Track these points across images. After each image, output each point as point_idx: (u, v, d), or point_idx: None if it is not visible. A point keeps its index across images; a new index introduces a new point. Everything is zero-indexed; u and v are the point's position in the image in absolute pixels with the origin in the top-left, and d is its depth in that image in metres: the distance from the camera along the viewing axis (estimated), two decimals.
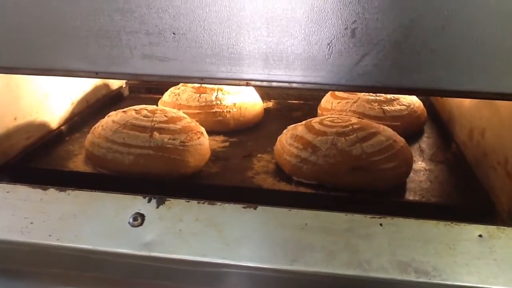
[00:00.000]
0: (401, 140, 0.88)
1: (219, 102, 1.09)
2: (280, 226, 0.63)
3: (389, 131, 0.90)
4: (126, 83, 1.40)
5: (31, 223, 0.65)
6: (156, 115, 0.91)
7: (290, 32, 0.53)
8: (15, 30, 0.58)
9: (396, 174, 0.84)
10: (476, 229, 0.61)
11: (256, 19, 0.53)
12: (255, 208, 0.65)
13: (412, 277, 0.57)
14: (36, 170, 0.88)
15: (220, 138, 1.07)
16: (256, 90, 1.19)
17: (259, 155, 0.97)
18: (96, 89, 1.25)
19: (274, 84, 0.56)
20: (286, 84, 0.56)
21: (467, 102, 1.00)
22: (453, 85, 0.53)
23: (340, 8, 0.51)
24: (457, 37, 0.50)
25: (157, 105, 1.11)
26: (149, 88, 1.38)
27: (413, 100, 1.12)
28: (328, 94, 1.17)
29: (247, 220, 0.64)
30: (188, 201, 0.66)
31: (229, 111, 1.09)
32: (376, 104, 1.08)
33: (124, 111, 0.93)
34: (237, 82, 0.57)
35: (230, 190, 0.81)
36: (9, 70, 0.62)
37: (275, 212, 0.65)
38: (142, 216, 0.64)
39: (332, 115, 0.99)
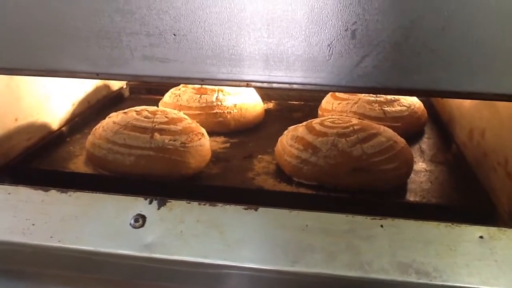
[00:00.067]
0: (401, 141, 0.88)
1: (219, 103, 1.09)
2: (281, 228, 0.63)
3: (390, 132, 0.90)
4: (126, 84, 1.40)
5: (33, 224, 0.65)
6: (156, 116, 0.91)
7: (290, 33, 0.53)
8: (16, 31, 0.58)
9: (397, 175, 0.84)
10: (477, 230, 0.61)
11: (256, 20, 0.53)
12: (256, 210, 0.65)
13: (413, 278, 0.57)
14: (37, 171, 0.88)
15: (221, 139, 1.07)
16: (257, 91, 1.19)
17: (259, 156, 0.97)
18: (96, 90, 1.25)
19: (275, 85, 0.56)
20: (287, 85, 0.56)
21: (467, 103, 1.00)
22: (453, 86, 0.53)
23: (341, 10, 0.51)
24: (457, 38, 0.51)
25: (157, 106, 1.11)
26: (150, 89, 1.38)
27: (414, 101, 1.12)
28: (329, 95, 1.17)
29: (248, 222, 0.64)
30: (189, 203, 0.66)
31: (230, 112, 1.09)
32: (377, 105, 1.08)
33: (124, 112, 0.93)
34: (237, 83, 0.57)
35: (231, 191, 0.81)
36: (9, 71, 0.63)
37: (276, 213, 0.65)
38: (143, 218, 0.64)
39: (333, 116, 0.99)
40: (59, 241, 0.63)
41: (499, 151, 0.79)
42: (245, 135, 1.09)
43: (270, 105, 1.32)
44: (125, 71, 0.58)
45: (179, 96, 1.13)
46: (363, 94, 1.10)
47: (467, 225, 0.62)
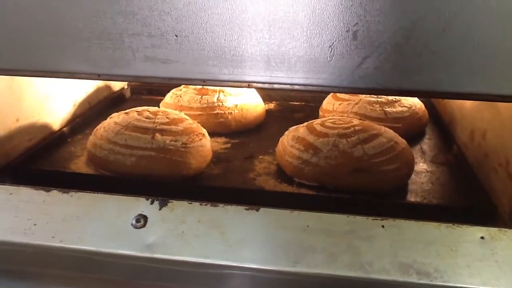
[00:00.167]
0: (402, 141, 0.88)
1: (220, 104, 1.09)
2: (282, 228, 0.63)
3: (391, 133, 0.90)
4: (128, 84, 1.40)
5: (34, 224, 0.65)
6: (158, 116, 0.91)
7: (292, 34, 0.53)
8: (18, 32, 0.58)
9: (398, 175, 0.84)
10: (477, 231, 0.61)
11: (258, 21, 0.53)
12: (257, 210, 0.65)
13: (413, 279, 0.57)
14: (38, 171, 0.88)
15: (222, 139, 1.07)
16: (258, 91, 1.19)
17: (260, 157, 0.97)
18: (98, 91, 1.25)
19: (276, 86, 0.56)
20: (288, 86, 0.56)
21: (468, 103, 1.00)
22: (454, 87, 0.53)
23: (342, 11, 0.51)
24: (458, 39, 0.51)
25: (158, 107, 1.11)
26: (151, 90, 1.38)
27: (415, 102, 1.12)
28: (330, 96, 1.17)
29: (249, 222, 0.64)
30: (191, 203, 0.66)
31: (231, 113, 1.09)
32: (378, 105, 1.08)
33: (126, 113, 0.94)
34: (239, 84, 0.57)
35: (232, 192, 0.81)
36: (11, 71, 0.63)
37: (277, 214, 0.65)
38: (145, 218, 0.65)
39: (334, 117, 0.99)
40: (61, 241, 0.63)
41: (500, 152, 0.79)
42: (246, 136, 1.09)
43: (271, 105, 1.32)
44: (127, 72, 0.58)
45: (180, 96, 1.13)
46: (364, 95, 1.10)
47: (468, 226, 0.62)
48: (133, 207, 0.66)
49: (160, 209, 0.66)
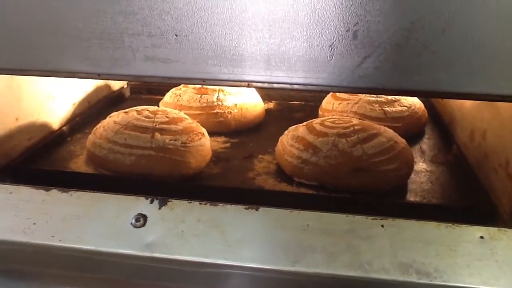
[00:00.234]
0: (402, 141, 0.89)
1: (220, 103, 1.09)
2: (281, 228, 0.63)
3: (390, 132, 0.90)
4: (127, 84, 1.40)
5: (34, 224, 0.65)
6: (157, 116, 0.91)
7: (292, 34, 0.53)
8: (18, 32, 0.58)
9: (397, 175, 0.84)
10: (477, 231, 0.61)
11: (258, 21, 0.53)
12: (257, 210, 0.65)
13: (413, 278, 0.57)
14: (38, 171, 0.88)
15: (221, 139, 1.07)
16: (257, 91, 1.19)
17: (260, 156, 0.97)
18: (97, 90, 1.25)
19: (276, 85, 0.56)
20: (288, 86, 0.56)
21: (468, 103, 1.00)
22: (453, 87, 0.53)
23: (342, 10, 0.51)
24: (458, 39, 0.51)
25: (158, 106, 1.11)
26: (151, 89, 1.38)
27: (414, 102, 1.12)
28: (329, 95, 1.17)
29: (249, 221, 0.64)
30: (190, 202, 0.66)
31: (230, 112, 1.09)
32: (377, 105, 1.08)
33: (125, 112, 0.94)
34: (238, 83, 0.57)
35: (231, 191, 0.81)
36: (11, 71, 0.63)
37: (276, 213, 0.65)
38: (145, 217, 0.65)
39: (333, 116, 0.99)
40: (60, 240, 0.63)
41: (500, 152, 0.79)
42: (245, 135, 1.09)
43: (271, 105, 1.32)
44: (127, 71, 0.58)
45: (180, 96, 1.13)
46: (364, 95, 1.10)
47: (467, 226, 0.62)
48: (132, 207, 0.66)
49: (159, 209, 0.66)
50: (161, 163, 0.84)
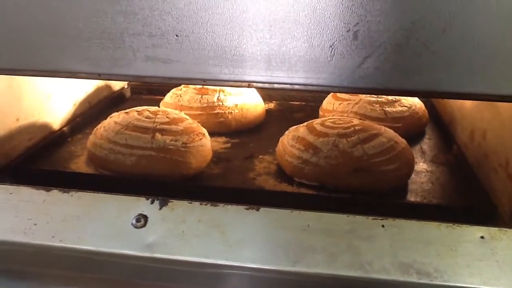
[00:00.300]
0: (402, 141, 0.89)
1: (220, 103, 1.09)
2: (282, 228, 0.63)
3: (391, 133, 0.90)
4: (128, 84, 1.40)
5: (35, 224, 0.65)
6: (158, 116, 0.91)
7: (292, 34, 0.53)
8: (18, 32, 0.58)
9: (398, 175, 0.84)
10: (477, 231, 0.61)
11: (258, 21, 0.53)
12: (257, 210, 0.65)
13: (414, 279, 0.57)
14: (38, 171, 0.88)
15: (222, 139, 1.07)
16: (258, 91, 1.19)
17: (260, 156, 0.97)
18: (98, 90, 1.25)
19: (276, 85, 0.56)
20: (288, 86, 0.56)
21: (468, 103, 1.00)
22: (454, 87, 0.53)
23: (343, 11, 0.51)
24: (458, 39, 0.51)
25: (159, 106, 1.11)
26: (151, 89, 1.38)
27: (415, 102, 1.12)
28: (330, 96, 1.18)
29: (250, 222, 0.64)
30: (191, 203, 0.66)
31: (231, 112, 1.09)
32: (378, 105, 1.08)
33: (126, 112, 0.94)
34: (239, 83, 0.57)
35: (232, 192, 0.81)
36: (11, 71, 0.63)
37: (277, 213, 0.65)
38: (145, 218, 0.65)
39: (334, 117, 1.00)
40: (61, 241, 0.63)
41: (500, 152, 0.79)
42: (246, 136, 1.09)
43: (271, 105, 1.32)
44: (128, 71, 0.58)
45: (180, 96, 1.13)
46: (364, 95, 1.10)
47: (468, 226, 0.62)
48: (133, 207, 0.66)
49: (160, 209, 0.66)
50: (161, 163, 0.84)
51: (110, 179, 0.86)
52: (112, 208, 0.66)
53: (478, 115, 0.93)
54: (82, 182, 0.76)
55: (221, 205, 0.66)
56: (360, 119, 1.00)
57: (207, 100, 1.10)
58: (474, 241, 0.60)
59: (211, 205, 0.66)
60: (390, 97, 1.10)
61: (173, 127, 0.89)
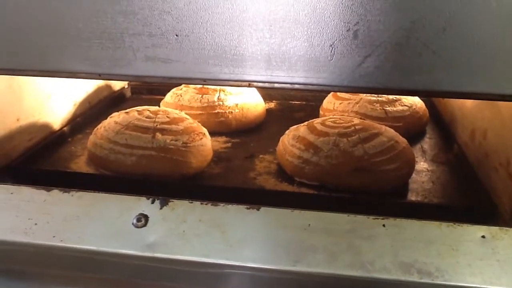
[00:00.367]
0: (403, 141, 0.88)
1: (221, 103, 1.09)
2: (283, 227, 0.63)
3: (391, 132, 0.90)
4: (128, 84, 1.40)
5: (35, 224, 0.65)
6: (158, 116, 0.91)
7: (292, 33, 0.53)
8: (18, 32, 0.58)
9: (398, 175, 0.84)
10: (478, 230, 0.61)
11: (258, 20, 0.53)
12: (258, 209, 0.65)
13: (415, 278, 0.57)
14: (39, 171, 0.88)
15: (222, 139, 1.07)
16: (258, 91, 1.19)
17: (261, 156, 0.97)
18: (98, 90, 1.25)
19: (277, 85, 0.56)
20: (289, 85, 0.56)
21: (469, 103, 1.00)
22: (454, 86, 0.53)
23: (343, 10, 0.51)
24: (458, 39, 0.51)
25: (159, 106, 1.11)
26: (151, 89, 1.38)
27: (415, 101, 1.12)
28: (330, 95, 1.18)
29: (250, 221, 0.64)
30: (192, 202, 0.66)
31: (231, 112, 1.09)
32: (378, 105, 1.08)
33: (126, 112, 0.94)
34: (239, 83, 0.57)
35: (232, 191, 0.81)
36: (11, 71, 0.63)
37: (278, 213, 0.65)
38: (146, 217, 0.65)
39: (334, 116, 0.99)
40: (62, 240, 0.63)
41: (501, 151, 0.79)
42: (246, 135, 1.09)
43: (272, 105, 1.32)
44: (128, 71, 0.58)
45: (181, 96, 1.13)
46: (365, 94, 1.10)
47: (469, 225, 0.62)
48: (134, 207, 0.66)
49: (161, 209, 0.66)
50: (162, 163, 0.84)
51: (110, 179, 0.86)
52: (113, 208, 0.66)
53: (479, 114, 0.93)
54: (82, 182, 0.76)
55: (222, 204, 0.66)
56: (360, 118, 1.00)
57: (208, 99, 1.10)
58: (475, 241, 0.60)
59: (211, 205, 0.66)
60: (390, 97, 1.10)
61: (174, 126, 0.89)
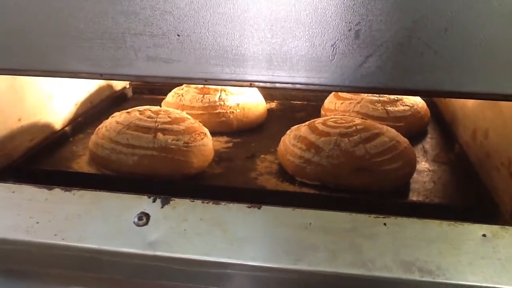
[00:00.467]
0: (404, 140, 0.88)
1: (222, 103, 1.09)
2: (283, 226, 0.63)
3: (393, 132, 0.90)
4: (129, 84, 1.41)
5: (37, 222, 0.65)
6: (159, 116, 0.91)
7: (294, 33, 0.53)
8: (19, 32, 0.59)
9: (400, 175, 0.84)
10: (479, 229, 0.61)
11: (260, 20, 0.53)
12: (259, 208, 0.65)
13: (416, 276, 0.57)
14: (40, 171, 0.89)
15: (224, 138, 1.07)
16: (260, 90, 1.19)
17: (262, 156, 0.97)
18: (99, 90, 1.25)
19: (278, 85, 0.56)
20: (290, 85, 0.56)
21: (470, 103, 1.00)
22: (455, 86, 0.53)
23: (344, 10, 0.51)
24: (460, 39, 0.51)
25: (160, 106, 1.11)
26: (153, 89, 1.38)
27: (417, 101, 1.12)
28: (332, 95, 1.18)
29: (251, 220, 0.64)
30: (193, 201, 0.67)
31: (233, 112, 1.09)
32: (380, 104, 1.08)
33: (127, 112, 0.94)
34: (241, 83, 0.57)
35: (234, 191, 0.81)
36: (13, 71, 0.63)
37: (279, 211, 0.65)
38: (147, 216, 0.65)
39: (336, 116, 0.99)
40: (63, 239, 0.64)
41: (502, 151, 0.79)
42: (247, 135, 1.09)
43: (273, 104, 1.32)
44: (129, 71, 0.58)
45: (182, 96, 1.13)
46: (366, 94, 1.10)
47: (470, 224, 0.62)
48: (135, 205, 0.66)
49: (162, 207, 0.66)
50: (163, 163, 0.84)
51: (112, 179, 0.86)
52: (114, 207, 0.66)
53: (480, 114, 0.93)
54: (84, 182, 0.76)
55: (223, 203, 0.66)
56: (362, 118, 1.00)
57: (209, 99, 1.10)
58: (476, 239, 0.60)
59: (213, 204, 0.66)
60: (392, 97, 1.10)
61: (175, 126, 0.89)
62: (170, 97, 1.16)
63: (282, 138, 0.94)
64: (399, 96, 1.10)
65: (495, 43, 0.50)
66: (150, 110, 0.94)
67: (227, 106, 1.09)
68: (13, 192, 0.70)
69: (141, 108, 0.95)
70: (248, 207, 0.65)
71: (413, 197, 0.83)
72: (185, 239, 0.62)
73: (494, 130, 0.85)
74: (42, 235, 0.64)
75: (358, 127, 0.88)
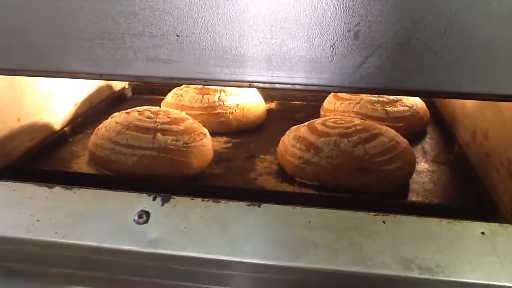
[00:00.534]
0: (404, 141, 0.89)
1: (222, 103, 1.09)
2: (283, 224, 0.63)
3: (392, 132, 0.90)
4: (129, 84, 1.41)
5: (38, 220, 0.66)
6: (159, 116, 0.91)
7: (293, 34, 0.53)
8: (19, 32, 0.59)
9: (399, 175, 0.84)
10: (478, 227, 0.61)
11: (259, 21, 0.53)
12: (259, 206, 0.65)
13: (415, 274, 0.57)
14: (40, 171, 0.88)
15: (223, 139, 1.07)
16: (259, 91, 1.19)
17: (261, 156, 0.97)
18: (99, 90, 1.25)
19: (277, 86, 0.57)
20: (289, 86, 0.56)
21: (470, 103, 1.00)
22: (455, 87, 0.53)
23: (343, 11, 0.51)
24: (459, 39, 0.51)
25: (160, 106, 1.11)
26: (152, 89, 1.38)
27: (416, 101, 1.12)
28: (331, 95, 1.18)
29: (251, 218, 0.64)
30: (193, 199, 0.67)
31: (232, 112, 1.09)
32: (379, 105, 1.08)
33: (127, 112, 0.94)
34: (240, 84, 0.57)
35: (233, 191, 0.81)
36: (12, 71, 0.63)
37: (278, 210, 0.65)
38: (147, 214, 0.65)
39: (335, 116, 1.00)
40: (64, 237, 0.64)
41: (502, 152, 0.79)
42: (247, 135, 1.09)
43: (272, 105, 1.32)
44: (128, 72, 0.59)
45: (181, 96, 1.13)
46: (366, 95, 1.10)
47: (468, 222, 0.62)
48: (135, 203, 0.66)
49: (162, 205, 0.66)
50: (163, 163, 0.84)
51: (111, 179, 0.86)
52: (115, 205, 0.66)
53: (480, 114, 0.93)
54: (83, 182, 0.76)
55: (223, 201, 0.66)
56: (361, 118, 1.00)
57: (208, 100, 1.10)
58: (475, 237, 0.60)
59: (213, 202, 0.66)
60: (391, 97, 1.10)
61: (174, 127, 0.89)
62: (170, 97, 1.16)
63: (282, 139, 0.94)
64: (399, 97, 1.10)
65: (494, 43, 0.50)
66: (149, 110, 0.94)
67: (227, 106, 1.09)
68: (14, 190, 0.70)
69: (140, 108, 0.96)
70: (248, 205, 0.66)
71: (413, 197, 0.83)
72: (185, 237, 0.62)
73: (494, 130, 0.85)
74: (43, 233, 0.64)
75: (357, 127, 0.88)
